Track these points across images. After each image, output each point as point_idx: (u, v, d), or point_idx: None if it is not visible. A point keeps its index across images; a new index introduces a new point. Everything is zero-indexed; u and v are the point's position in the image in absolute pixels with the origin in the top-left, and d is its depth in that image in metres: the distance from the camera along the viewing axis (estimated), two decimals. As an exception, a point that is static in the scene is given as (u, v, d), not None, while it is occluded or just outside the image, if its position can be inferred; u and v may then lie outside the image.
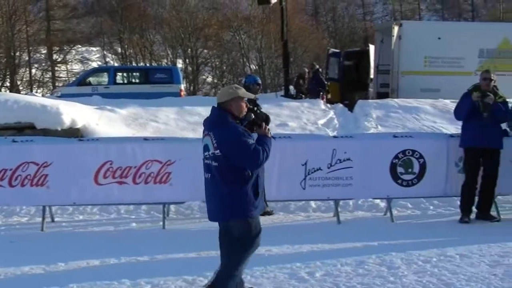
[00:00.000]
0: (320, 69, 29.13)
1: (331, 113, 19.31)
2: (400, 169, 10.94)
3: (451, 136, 11.50)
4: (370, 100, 21.67)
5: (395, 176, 10.92)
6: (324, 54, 34.77)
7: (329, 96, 26.15)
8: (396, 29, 24.20)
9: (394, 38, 23.96)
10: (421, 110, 18.80)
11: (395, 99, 20.87)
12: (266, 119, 11.09)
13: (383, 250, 8.85)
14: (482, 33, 25.08)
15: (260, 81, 12.18)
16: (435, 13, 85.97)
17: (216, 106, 6.70)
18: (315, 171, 10.68)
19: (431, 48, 23.86)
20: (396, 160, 10.91)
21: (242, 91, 6.71)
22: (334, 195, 10.86)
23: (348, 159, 10.72)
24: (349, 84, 26.50)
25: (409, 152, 10.95)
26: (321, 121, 18.16)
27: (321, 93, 25.20)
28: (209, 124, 6.64)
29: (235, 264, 6.69)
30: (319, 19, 77.48)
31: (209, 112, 6.69)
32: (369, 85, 25.76)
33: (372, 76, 25.64)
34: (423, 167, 10.98)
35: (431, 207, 11.84)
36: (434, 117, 18.29)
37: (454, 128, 14.97)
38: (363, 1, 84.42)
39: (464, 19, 77.15)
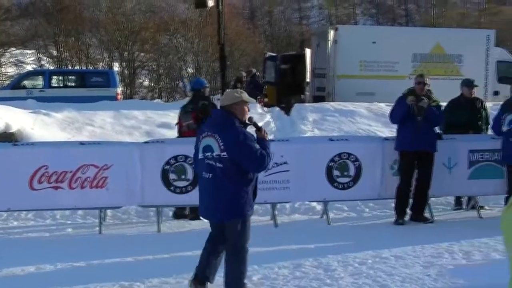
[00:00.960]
0: (257, 73, 29.22)
1: (268, 117, 19.38)
2: (336, 172, 11.05)
3: (386, 139, 11.66)
4: (306, 104, 21.76)
5: (331, 179, 11.02)
6: (261, 57, 34.87)
7: (266, 99, 26.23)
8: (332, 33, 24.37)
9: (330, 42, 24.12)
10: (357, 114, 18.99)
11: (331, 103, 21.00)
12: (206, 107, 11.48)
13: (320, 252, 8.93)
14: (416, 38, 25.43)
15: (207, 83, 12.38)
16: (370, 17, 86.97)
17: (220, 108, 6.99)
18: (252, 174, 10.70)
19: (366, 52, 24.08)
20: (332, 163, 11.01)
21: (246, 96, 6.92)
22: (271, 198, 10.88)
23: (285, 163, 10.78)
24: (286, 88, 26.59)
25: (345, 155, 11.06)
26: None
27: (258, 97, 25.28)
28: (214, 126, 6.84)
29: (236, 260, 6.97)
30: (256, 23, 77.62)
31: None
32: (306, 89, 25.89)
33: (308, 79, 25.76)
34: (358, 170, 11.11)
35: (367, 210, 11.98)
36: (369, 121, 18.49)
37: (389, 131, 15.17)
38: (299, 5, 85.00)
39: (398, 24, 78.27)
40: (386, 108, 18.10)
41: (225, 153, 6.64)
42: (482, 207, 11.95)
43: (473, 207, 11.96)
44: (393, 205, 11.18)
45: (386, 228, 10.75)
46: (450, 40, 25.24)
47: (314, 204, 11.83)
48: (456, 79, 18.01)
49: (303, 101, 23.84)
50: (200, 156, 6.89)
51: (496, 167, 11.60)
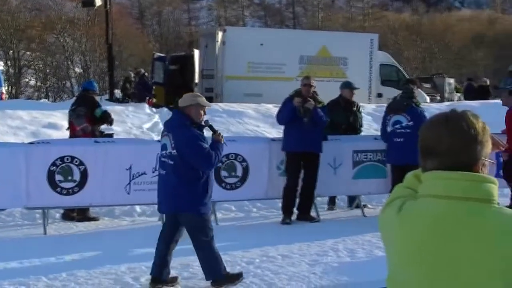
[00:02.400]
0: (146, 73, 29.06)
1: (157, 117, 19.30)
2: (223, 173, 11.12)
3: (273, 140, 11.83)
4: (195, 105, 21.79)
5: (219, 179, 11.04)
6: (150, 58, 34.69)
7: (154, 100, 26.15)
8: (220, 34, 24.48)
9: (218, 43, 24.22)
10: (245, 115, 19.15)
11: (219, 104, 21.08)
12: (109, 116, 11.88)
13: (208, 252, 8.97)
14: (302, 40, 25.83)
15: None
16: (258, 19, 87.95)
17: (177, 110, 7.54)
18: (139, 175, 10.66)
19: (254, 54, 24.28)
20: (220, 164, 11.02)
21: (202, 100, 7.52)
22: (159, 199, 10.86)
23: (173, 163, 10.77)
24: (175, 88, 26.49)
25: (232, 156, 11.14)
26: (146, 125, 18.13)
27: (147, 98, 25.18)
28: (169, 126, 7.46)
29: (202, 251, 7.42)
30: (145, 23, 77.37)
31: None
32: (194, 90, 25.91)
33: (197, 80, 25.80)
34: (246, 170, 11.22)
35: (254, 210, 12.11)
36: (257, 121, 18.68)
37: (276, 132, 15.37)
38: (188, 6, 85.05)
39: (286, 26, 79.40)
40: (273, 109, 18.32)
41: (175, 151, 7.21)
42: (365, 206, 12.28)
43: (357, 206, 12.26)
44: (280, 204, 11.34)
45: (273, 227, 10.89)
46: (336, 43, 25.77)
47: (202, 204, 11.85)
48: (341, 81, 18.42)
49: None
50: (159, 154, 7.57)
51: (379, 167, 11.96)
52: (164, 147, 7.40)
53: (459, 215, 2.34)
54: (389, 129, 11.23)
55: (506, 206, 9.57)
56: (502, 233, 2.29)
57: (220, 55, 24.13)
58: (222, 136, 7.61)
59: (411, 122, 10.88)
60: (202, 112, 7.43)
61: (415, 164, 2.61)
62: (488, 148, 2.45)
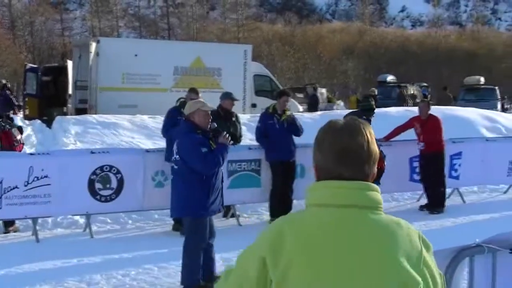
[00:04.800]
0: (9, 85, 28.39)
1: (29, 130, 18.91)
2: (98, 185, 11.01)
3: (148, 151, 11.81)
4: (68, 116, 21.44)
5: (93, 192, 10.96)
6: (22, 69, 33.96)
7: (27, 112, 25.60)
8: (93, 45, 24.18)
9: (92, 54, 23.90)
10: (119, 126, 18.98)
11: (94, 115, 20.79)
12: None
13: (83, 266, 8.92)
14: (177, 51, 25.86)
15: None
16: (133, 30, 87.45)
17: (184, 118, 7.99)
18: (11, 189, 10.41)
19: (129, 65, 24.09)
20: (94, 176, 10.97)
21: (201, 104, 7.83)
22: (32, 213, 10.66)
23: (46, 176, 10.59)
24: (48, 100, 26.12)
25: (106, 168, 11.06)
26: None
27: (11, 110, 24.69)
28: (176, 133, 8.05)
29: (187, 257, 7.69)
30: (16, 33, 75.54)
31: None
32: (68, 101, 25.54)
33: (70, 91, 25.42)
34: (120, 182, 11.14)
35: (130, 221, 12.05)
36: (132, 133, 18.54)
37: (151, 143, 15.36)
38: (61, 17, 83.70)
39: (161, 37, 79.40)
40: (148, 120, 18.31)
41: (177, 156, 7.67)
42: (239, 215, 12.42)
43: (232, 215, 12.40)
44: (156, 216, 11.34)
45: (149, 239, 10.88)
46: (210, 54, 25.93)
47: (77, 217, 11.73)
48: (216, 91, 18.55)
49: (65, 114, 23.50)
50: None
51: (253, 176, 12.14)
52: (174, 153, 7.82)
53: (345, 223, 2.39)
54: None
55: (422, 206, 10.02)
56: (385, 238, 2.38)
57: (94, 66, 23.83)
58: (228, 140, 7.90)
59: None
60: (206, 116, 7.74)
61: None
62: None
